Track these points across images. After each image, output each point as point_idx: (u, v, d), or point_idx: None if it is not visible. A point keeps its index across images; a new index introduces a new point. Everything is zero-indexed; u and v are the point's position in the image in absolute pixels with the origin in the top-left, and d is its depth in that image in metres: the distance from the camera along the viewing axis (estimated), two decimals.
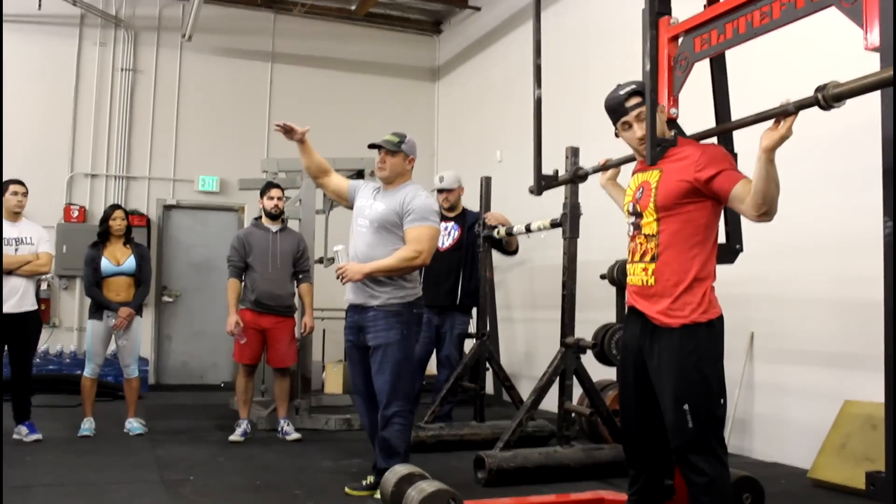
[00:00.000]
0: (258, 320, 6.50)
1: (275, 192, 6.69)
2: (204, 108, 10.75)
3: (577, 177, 4.34)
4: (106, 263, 6.50)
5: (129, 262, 6.56)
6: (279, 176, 7.36)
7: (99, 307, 6.51)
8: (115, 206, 6.78)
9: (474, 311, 6.88)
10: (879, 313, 2.62)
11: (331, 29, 11.50)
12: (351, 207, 4.79)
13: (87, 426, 6.45)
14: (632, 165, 3.66)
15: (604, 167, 4.03)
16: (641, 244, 3.35)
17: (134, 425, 6.59)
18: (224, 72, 10.93)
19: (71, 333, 9.87)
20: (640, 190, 3.38)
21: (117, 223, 6.59)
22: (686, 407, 3.13)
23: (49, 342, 9.58)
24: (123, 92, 10.39)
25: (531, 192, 4.82)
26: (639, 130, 3.33)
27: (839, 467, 4.94)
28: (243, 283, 6.59)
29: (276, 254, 6.55)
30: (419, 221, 4.50)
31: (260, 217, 6.77)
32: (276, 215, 6.67)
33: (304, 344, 7.23)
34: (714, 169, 3.12)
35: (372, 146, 4.70)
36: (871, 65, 2.55)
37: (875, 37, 2.43)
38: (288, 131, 4.59)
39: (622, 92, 3.37)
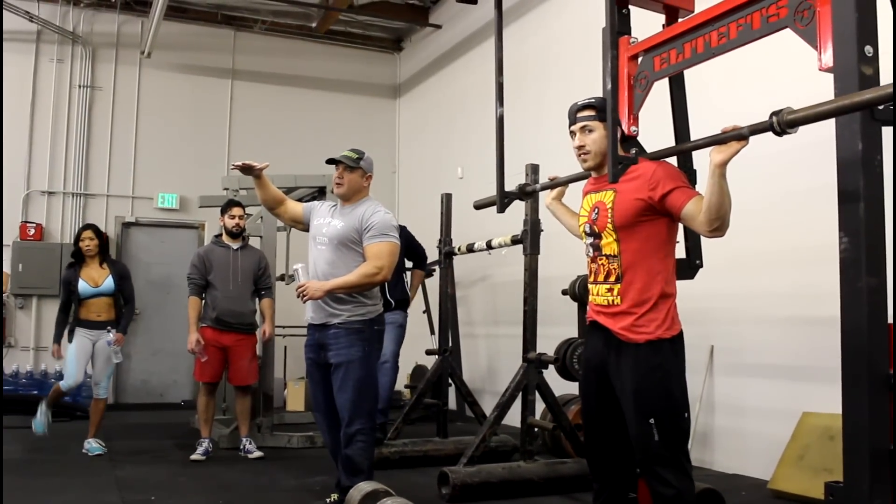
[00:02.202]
0: (219, 338, 6.46)
1: (236, 211, 6.67)
2: (163, 125, 10.68)
3: (524, 193, 4.36)
4: (83, 285, 6.44)
5: (108, 283, 6.51)
6: (240, 193, 7.33)
7: (73, 328, 6.47)
8: (85, 227, 6.73)
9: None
10: (836, 326, 2.68)
11: (291, 46, 11.50)
12: (308, 231, 4.78)
13: (41, 419, 6.50)
14: (581, 185, 3.70)
15: (552, 185, 4.06)
16: (604, 265, 3.37)
17: (93, 445, 6.50)
18: (184, 89, 10.86)
19: (27, 353, 9.71)
20: (596, 210, 3.40)
21: (86, 244, 6.54)
22: (652, 421, 3.16)
23: (4, 362, 9.41)
24: (81, 109, 10.29)
25: (476, 207, 4.85)
26: (577, 141, 3.43)
27: (798, 478, 5.01)
28: (204, 301, 6.55)
29: (236, 271, 6.52)
30: (379, 237, 4.49)
31: (220, 235, 6.74)
32: (238, 233, 6.64)
33: (266, 362, 7.19)
34: (667, 187, 3.16)
35: (330, 161, 4.70)
36: (824, 84, 2.61)
37: (828, 58, 2.49)
38: (246, 169, 4.58)
39: (581, 102, 3.45)
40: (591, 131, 3.40)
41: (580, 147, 3.44)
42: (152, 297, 10.39)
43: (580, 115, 3.43)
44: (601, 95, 3.47)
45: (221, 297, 6.47)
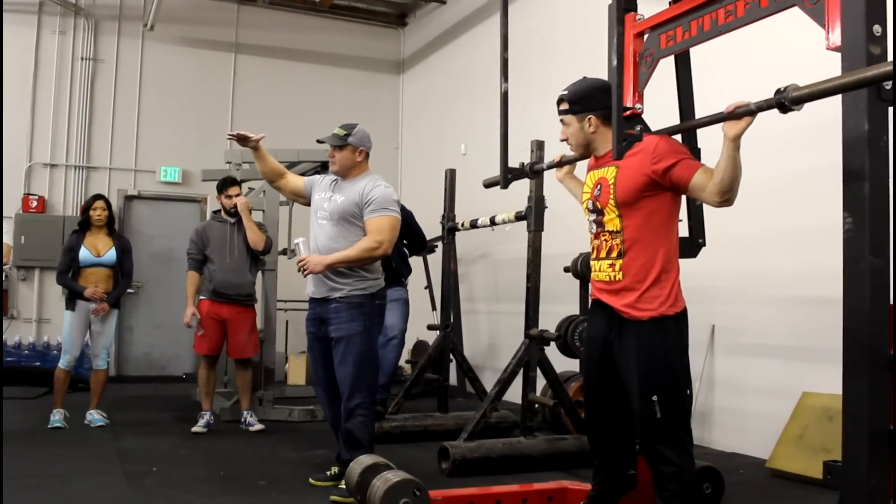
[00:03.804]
0: (218, 310, 6.48)
1: (233, 191, 6.64)
2: (166, 99, 10.64)
3: (532, 171, 4.35)
4: (85, 253, 6.43)
5: (110, 254, 6.51)
6: (243, 167, 7.31)
7: (73, 298, 6.44)
8: (97, 197, 6.72)
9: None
10: (837, 307, 2.68)
11: (295, 20, 11.44)
12: (309, 205, 4.78)
13: (58, 418, 6.39)
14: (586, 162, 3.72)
15: (559, 164, 4.07)
16: (606, 241, 3.38)
17: (95, 417, 6.53)
18: (187, 62, 10.82)
19: (29, 325, 9.74)
20: (598, 187, 3.42)
21: (97, 213, 6.53)
22: (655, 398, 3.18)
23: (7, 333, 9.46)
24: (83, 81, 10.25)
25: (485, 185, 4.85)
26: (561, 134, 3.57)
27: (797, 457, 5.04)
28: (202, 275, 6.57)
29: (233, 244, 6.53)
30: (379, 212, 4.50)
31: (220, 210, 6.74)
32: (236, 213, 6.61)
33: (268, 335, 7.22)
34: (671, 159, 3.17)
35: (320, 142, 4.71)
36: (832, 63, 2.60)
37: (836, 37, 2.47)
38: (242, 139, 4.58)
39: (559, 95, 3.55)
40: (567, 125, 3.52)
41: (565, 140, 3.58)
42: (154, 271, 10.39)
43: (559, 109, 3.55)
44: (576, 80, 3.55)
45: (218, 270, 6.49)
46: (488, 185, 4.79)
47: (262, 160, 4.75)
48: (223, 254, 6.50)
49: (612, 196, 3.32)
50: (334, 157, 4.60)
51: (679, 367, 3.25)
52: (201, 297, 6.54)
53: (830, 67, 2.58)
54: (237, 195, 6.64)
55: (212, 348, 6.55)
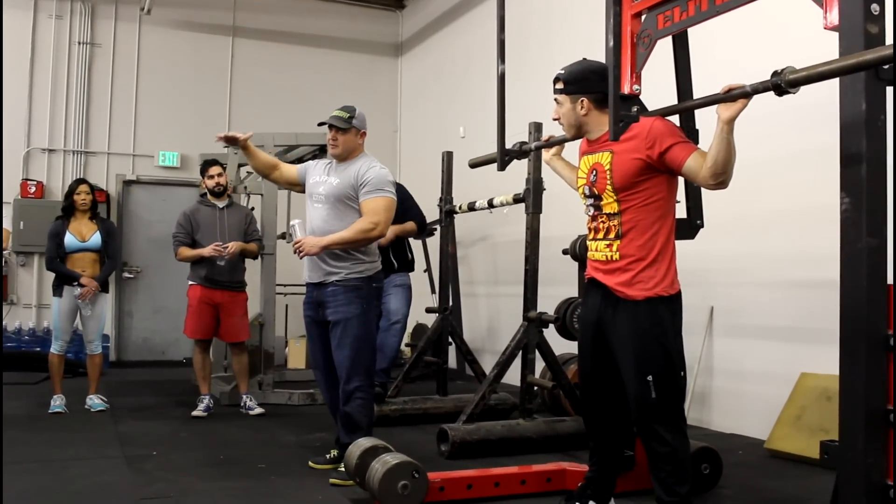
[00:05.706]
0: (210, 295, 6.49)
1: (214, 171, 6.67)
2: (164, 83, 10.62)
3: (521, 153, 4.35)
4: (70, 239, 6.42)
5: (95, 238, 6.49)
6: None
7: (61, 283, 6.43)
8: (80, 181, 6.69)
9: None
10: (835, 288, 2.68)
11: (293, 3, 11.41)
12: (304, 192, 4.78)
13: (59, 403, 6.41)
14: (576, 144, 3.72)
15: (548, 144, 4.07)
16: (604, 222, 3.40)
17: (95, 402, 6.54)
18: (184, 46, 10.78)
19: (29, 310, 9.77)
20: (594, 173, 3.42)
21: (81, 198, 6.51)
22: (650, 378, 3.19)
23: (7, 319, 9.48)
24: (81, 66, 10.23)
25: (470, 165, 4.84)
26: (554, 113, 3.58)
27: (795, 438, 5.05)
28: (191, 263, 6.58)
29: (224, 230, 6.53)
30: (374, 193, 4.49)
31: (206, 194, 6.73)
32: (220, 192, 6.63)
33: (267, 319, 7.22)
34: (665, 143, 3.17)
35: (322, 124, 4.69)
36: (830, 43, 2.59)
37: (834, 16, 2.46)
38: (231, 141, 4.60)
39: (556, 74, 3.54)
40: (560, 104, 3.52)
41: (556, 119, 3.58)
42: (153, 255, 10.40)
43: (554, 87, 3.55)
44: (575, 61, 3.55)
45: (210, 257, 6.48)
46: (474, 165, 4.79)
47: (252, 157, 4.76)
48: (214, 240, 6.47)
49: (609, 182, 3.32)
50: (337, 140, 4.58)
51: (673, 349, 3.26)
52: (191, 283, 6.56)
53: (832, 46, 2.57)
54: (219, 174, 6.66)
55: (204, 332, 6.57)
